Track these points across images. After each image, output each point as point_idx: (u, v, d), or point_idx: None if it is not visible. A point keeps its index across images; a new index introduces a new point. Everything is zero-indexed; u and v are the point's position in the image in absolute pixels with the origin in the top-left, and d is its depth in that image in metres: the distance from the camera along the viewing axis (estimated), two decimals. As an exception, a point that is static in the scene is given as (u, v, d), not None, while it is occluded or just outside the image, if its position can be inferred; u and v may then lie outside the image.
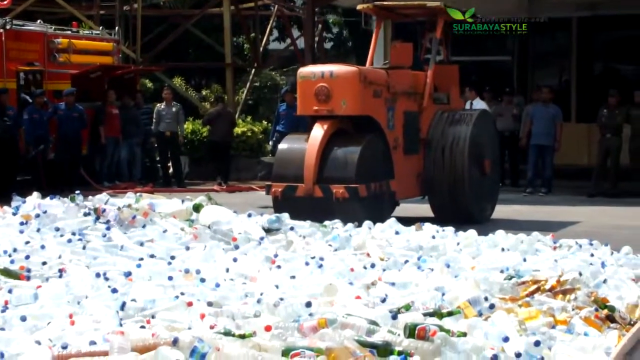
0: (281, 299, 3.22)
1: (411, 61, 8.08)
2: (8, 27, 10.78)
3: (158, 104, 12.37)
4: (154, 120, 12.11)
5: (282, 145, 7.34)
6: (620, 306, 3.43)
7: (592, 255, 4.50)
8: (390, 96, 7.53)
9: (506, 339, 2.82)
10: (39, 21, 12.24)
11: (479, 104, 10.64)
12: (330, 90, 7.04)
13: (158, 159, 12.55)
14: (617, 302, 3.48)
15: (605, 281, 3.82)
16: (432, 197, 7.97)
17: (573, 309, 3.34)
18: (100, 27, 13.71)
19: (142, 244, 4.25)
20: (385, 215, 6.85)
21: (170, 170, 12.26)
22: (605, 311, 3.32)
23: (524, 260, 4.21)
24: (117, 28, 13.77)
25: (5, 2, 11.97)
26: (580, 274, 3.82)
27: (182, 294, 3.30)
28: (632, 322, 3.31)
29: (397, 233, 4.87)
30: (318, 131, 7.02)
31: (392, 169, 7.42)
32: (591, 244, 4.82)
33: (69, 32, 12.42)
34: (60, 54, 11.58)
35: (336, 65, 7.64)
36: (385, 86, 7.47)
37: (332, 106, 7.08)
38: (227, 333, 2.68)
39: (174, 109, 12.01)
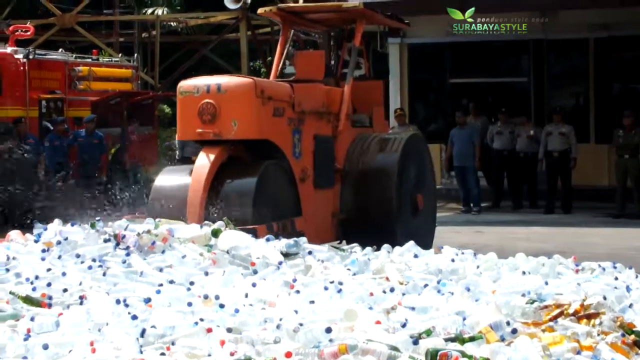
0: (301, 325, 3.21)
1: (323, 73, 6.66)
2: (31, 56, 10.99)
3: None
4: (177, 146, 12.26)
5: (159, 180, 5.79)
6: (647, 332, 3.37)
7: (616, 278, 4.42)
8: (296, 116, 6.04)
9: (530, 365, 2.78)
10: (60, 50, 12.47)
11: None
12: (217, 108, 5.54)
13: None
14: (644, 328, 3.41)
15: (631, 305, 3.75)
16: (352, 241, 6.35)
17: (598, 334, 3.28)
18: (120, 54, 13.92)
19: (161, 270, 4.26)
20: None
21: None
22: (633, 337, 3.24)
23: (546, 283, 4.15)
24: (135, 55, 13.99)
25: (29, 33, 12.22)
26: (605, 298, 3.76)
27: (202, 319, 3.30)
28: (660, 349, 3.24)
29: (415, 256, 4.82)
30: (203, 161, 5.53)
31: (298, 205, 5.97)
32: (615, 267, 4.73)
33: (89, 59, 12.63)
34: (80, 82, 11.78)
35: (225, 76, 6.04)
36: (289, 103, 5.98)
37: (220, 128, 5.56)
38: (248, 360, 2.67)
39: None
